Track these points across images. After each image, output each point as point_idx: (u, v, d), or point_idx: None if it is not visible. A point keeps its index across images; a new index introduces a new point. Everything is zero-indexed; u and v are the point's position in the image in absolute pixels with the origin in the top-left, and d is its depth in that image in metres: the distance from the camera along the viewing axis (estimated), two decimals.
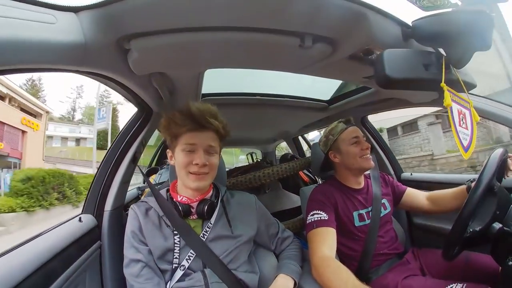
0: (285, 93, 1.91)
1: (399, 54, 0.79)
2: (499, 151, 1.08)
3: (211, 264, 1.02)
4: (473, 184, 1.13)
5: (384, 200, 1.43)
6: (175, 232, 1.04)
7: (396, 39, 0.93)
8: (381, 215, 1.37)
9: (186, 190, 1.09)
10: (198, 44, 0.92)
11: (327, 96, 2.05)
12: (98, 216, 1.33)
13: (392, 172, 2.11)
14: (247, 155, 3.53)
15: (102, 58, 0.88)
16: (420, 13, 0.86)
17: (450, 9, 0.79)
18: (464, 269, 1.17)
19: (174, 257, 1.02)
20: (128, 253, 1.02)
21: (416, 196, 1.46)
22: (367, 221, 1.35)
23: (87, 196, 1.36)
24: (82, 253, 1.14)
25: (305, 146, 3.53)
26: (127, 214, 1.66)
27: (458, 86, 0.88)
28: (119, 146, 1.41)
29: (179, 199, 1.09)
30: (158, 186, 1.79)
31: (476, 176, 1.12)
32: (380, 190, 1.44)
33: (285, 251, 1.22)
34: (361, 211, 1.37)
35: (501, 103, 1.29)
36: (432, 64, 0.83)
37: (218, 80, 1.64)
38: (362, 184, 1.46)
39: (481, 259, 1.16)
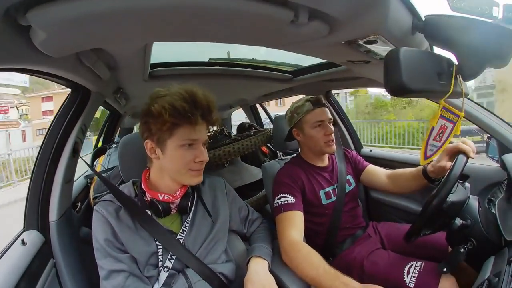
0: (248, 63, 1.64)
1: (416, 56, 0.64)
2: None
3: (191, 263, 0.94)
4: (429, 166, 1.16)
5: (348, 176, 1.43)
6: None
7: (404, 30, 0.75)
8: (346, 191, 1.38)
9: (168, 185, 0.95)
10: (137, 13, 0.64)
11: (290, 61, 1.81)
12: (44, 229, 1.08)
13: (353, 147, 2.10)
14: None
15: None
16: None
17: (479, 18, 0.64)
18: (419, 245, 1.22)
19: (159, 259, 0.91)
20: (105, 264, 0.86)
21: (376, 173, 1.45)
22: (334, 198, 1.35)
23: (25, 208, 1.09)
24: (35, 282, 0.93)
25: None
26: (77, 212, 1.48)
27: (457, 96, 0.78)
28: (54, 138, 1.10)
29: (160, 197, 0.93)
30: (108, 173, 1.57)
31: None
32: (345, 166, 1.43)
33: (255, 233, 1.19)
34: (327, 189, 1.36)
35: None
36: (444, 73, 0.69)
37: (170, 47, 1.32)
38: (327, 162, 1.44)
39: (433, 236, 1.19)
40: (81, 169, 1.78)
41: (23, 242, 0.99)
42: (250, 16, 0.71)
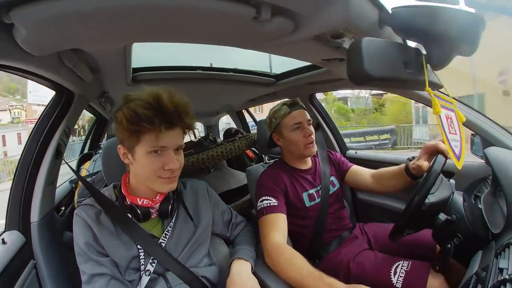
0: (230, 67, 1.65)
1: (379, 45, 0.63)
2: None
3: (173, 267, 0.92)
4: (411, 163, 1.14)
5: (332, 178, 1.41)
6: None
7: (371, 24, 0.75)
8: (330, 192, 1.36)
9: (146, 190, 0.92)
10: (116, 13, 0.67)
11: (275, 71, 1.83)
12: (25, 230, 1.07)
13: (338, 150, 2.10)
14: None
15: None
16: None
17: (443, 5, 0.64)
18: (407, 244, 1.22)
19: (141, 263, 0.89)
20: (87, 268, 0.84)
21: (361, 174, 1.43)
22: (318, 200, 1.33)
23: (7, 209, 1.08)
24: (14, 282, 0.92)
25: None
26: (61, 216, 1.46)
27: (433, 87, 0.78)
28: (37, 139, 1.10)
29: (139, 202, 0.91)
30: (92, 178, 1.56)
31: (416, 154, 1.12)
32: (328, 168, 1.41)
33: (239, 236, 1.17)
34: (310, 191, 1.34)
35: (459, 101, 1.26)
36: (412, 62, 0.68)
37: (155, 53, 1.34)
38: (310, 164, 1.42)
39: (421, 234, 1.19)
40: (69, 174, 1.78)
41: (3, 242, 0.98)
42: (212, 14, 0.72)
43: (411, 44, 0.75)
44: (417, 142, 12.06)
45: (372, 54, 0.60)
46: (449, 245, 0.97)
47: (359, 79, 0.62)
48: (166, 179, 0.88)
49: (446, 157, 0.99)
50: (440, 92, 0.80)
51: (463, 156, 0.79)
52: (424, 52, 0.71)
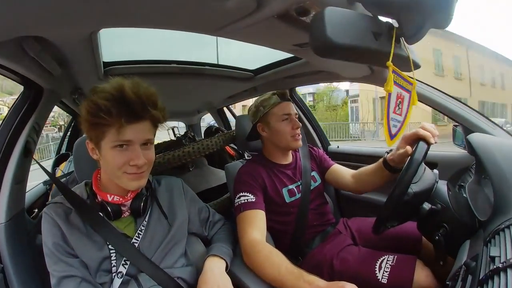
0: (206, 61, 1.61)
1: (344, 14, 0.60)
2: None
3: (145, 268, 0.87)
4: (388, 156, 1.12)
5: (313, 173, 1.38)
6: None
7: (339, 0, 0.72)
8: (311, 187, 1.33)
9: (116, 187, 0.87)
10: None
11: (254, 66, 1.81)
12: None
13: (320, 145, 2.08)
14: (167, 130, 2.95)
15: None
16: None
17: None
18: (391, 237, 1.19)
19: (112, 265, 0.84)
20: (56, 269, 0.80)
21: (341, 173, 1.39)
22: (298, 195, 1.29)
23: None
24: None
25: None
26: (33, 218, 1.40)
27: (406, 64, 0.75)
28: (4, 136, 1.05)
29: (109, 199, 0.87)
30: (66, 178, 1.51)
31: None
32: (309, 163, 1.38)
33: (216, 234, 1.12)
34: (290, 186, 1.30)
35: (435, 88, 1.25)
36: (382, 34, 0.65)
37: (127, 47, 1.31)
38: (291, 159, 1.39)
39: (406, 227, 1.18)
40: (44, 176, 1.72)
41: None
42: None
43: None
44: (352, 136, 15.78)
45: (335, 22, 0.57)
46: (436, 237, 0.92)
47: (322, 48, 0.58)
48: (132, 175, 0.84)
49: (429, 144, 0.95)
50: (400, 72, 0.76)
51: (398, 137, 0.79)
52: (396, 25, 0.69)
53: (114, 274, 0.85)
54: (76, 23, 0.81)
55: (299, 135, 1.29)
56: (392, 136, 0.79)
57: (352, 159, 1.63)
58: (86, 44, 0.97)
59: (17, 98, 1.12)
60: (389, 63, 0.66)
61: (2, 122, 1.09)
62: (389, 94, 0.72)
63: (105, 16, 0.78)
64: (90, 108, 0.78)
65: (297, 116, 1.32)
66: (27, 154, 1.11)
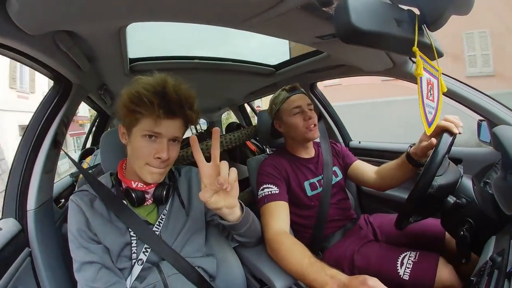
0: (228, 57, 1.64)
1: (367, 2, 0.60)
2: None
3: (167, 256, 0.89)
4: (411, 149, 1.10)
5: (335, 168, 1.38)
6: None
7: None
8: (333, 182, 1.32)
9: (139, 176, 0.90)
10: None
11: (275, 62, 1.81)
12: (21, 218, 1.06)
13: (341, 140, 2.06)
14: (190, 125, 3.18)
15: None
16: None
17: None
18: (413, 234, 1.17)
19: (132, 251, 0.87)
20: (78, 255, 0.83)
21: (363, 169, 1.38)
22: (319, 189, 1.29)
23: (4, 197, 1.06)
24: (7, 267, 0.90)
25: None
26: (60, 208, 1.45)
27: (429, 52, 0.74)
28: (36, 128, 1.10)
29: (133, 185, 0.90)
30: (92, 170, 1.56)
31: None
32: (330, 157, 1.38)
33: None
34: (312, 180, 1.30)
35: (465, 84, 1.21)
36: (405, 21, 0.65)
37: (152, 43, 1.35)
38: (313, 154, 1.39)
39: (428, 224, 1.16)
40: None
41: None
42: None
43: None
44: None
45: (359, 9, 0.57)
46: (462, 232, 0.89)
47: (347, 35, 0.59)
48: (153, 169, 0.86)
49: (454, 134, 0.92)
50: (426, 58, 0.74)
51: (435, 124, 0.77)
52: (418, 13, 0.68)
53: (134, 260, 0.87)
54: (107, 17, 0.85)
55: (314, 125, 1.28)
56: (429, 123, 0.76)
57: (374, 155, 1.60)
58: (114, 39, 1.01)
59: (47, 92, 1.17)
60: (415, 48, 0.65)
61: (33, 114, 1.14)
62: (420, 80, 0.70)
63: (134, 10, 0.81)
64: (131, 95, 0.82)
65: (311, 106, 1.31)
66: (56, 145, 1.16)
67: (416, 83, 0.70)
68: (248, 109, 3.40)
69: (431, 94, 0.75)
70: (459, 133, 0.95)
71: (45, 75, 1.10)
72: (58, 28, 0.86)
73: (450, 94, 1.24)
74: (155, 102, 0.79)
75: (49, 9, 0.71)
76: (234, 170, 0.81)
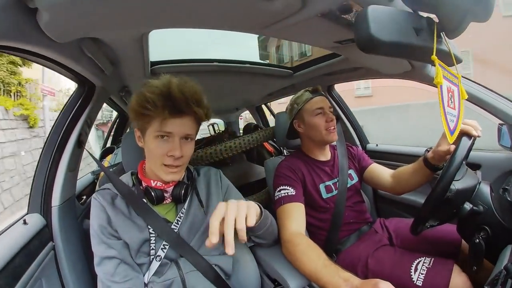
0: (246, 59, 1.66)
1: (386, 12, 0.61)
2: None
3: (185, 253, 0.91)
4: (429, 153, 1.08)
5: (350, 171, 1.37)
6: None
7: None
8: (348, 185, 1.32)
9: (158, 176, 0.93)
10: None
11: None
12: (46, 213, 1.12)
13: (358, 143, 2.04)
14: (208, 126, 3.14)
15: (4, 24, 0.64)
16: None
17: None
18: (429, 239, 1.16)
19: (151, 248, 0.90)
20: (99, 250, 0.87)
21: (379, 173, 1.37)
22: (335, 192, 1.29)
23: (30, 192, 1.13)
24: (32, 260, 0.96)
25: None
26: (82, 204, 1.52)
27: (448, 58, 0.73)
28: (60, 129, 1.16)
29: (153, 184, 0.93)
30: (113, 169, 1.61)
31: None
32: (346, 160, 1.38)
33: None
34: (327, 183, 1.31)
35: (484, 87, 1.18)
36: (424, 30, 0.65)
37: (171, 46, 1.39)
38: (329, 156, 1.40)
39: (444, 230, 1.14)
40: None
41: (24, 222, 1.03)
42: None
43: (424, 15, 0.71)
44: None
45: (379, 19, 0.58)
46: (477, 240, 0.88)
47: (367, 45, 0.59)
48: (169, 168, 0.89)
49: (473, 138, 0.92)
50: (445, 66, 0.74)
51: (457, 132, 0.76)
52: (437, 21, 0.68)
53: (153, 257, 0.90)
54: (131, 25, 0.88)
55: (334, 128, 1.29)
56: (451, 132, 0.76)
57: (391, 158, 1.58)
58: (137, 44, 1.04)
59: (71, 95, 1.23)
60: (434, 56, 0.65)
61: (58, 116, 1.20)
62: (441, 88, 0.70)
63: (157, 18, 0.85)
64: (138, 99, 0.85)
65: (331, 109, 1.32)
66: (80, 145, 1.22)
67: (435, 86, 0.70)
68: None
69: (452, 102, 0.75)
70: (479, 136, 0.94)
71: (70, 79, 1.15)
72: (84, 36, 0.90)
73: (469, 97, 1.21)
74: (159, 103, 0.82)
75: (77, 19, 0.75)
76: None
